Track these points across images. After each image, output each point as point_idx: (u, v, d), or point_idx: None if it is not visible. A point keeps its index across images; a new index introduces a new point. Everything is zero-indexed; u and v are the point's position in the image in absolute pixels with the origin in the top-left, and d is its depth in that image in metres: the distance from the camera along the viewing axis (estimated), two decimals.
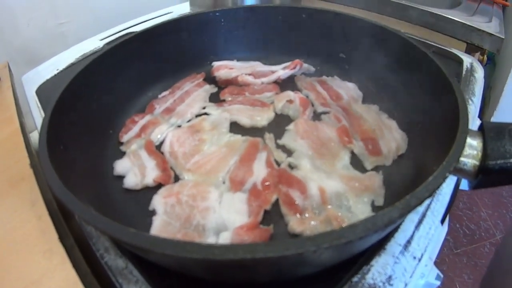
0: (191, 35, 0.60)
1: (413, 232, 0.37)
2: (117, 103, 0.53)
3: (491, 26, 0.69)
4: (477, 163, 0.32)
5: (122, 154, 0.47)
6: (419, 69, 0.46)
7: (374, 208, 0.39)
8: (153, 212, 0.39)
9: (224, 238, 0.35)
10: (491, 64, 1.09)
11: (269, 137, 0.48)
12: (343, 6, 0.82)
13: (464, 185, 0.39)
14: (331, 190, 0.39)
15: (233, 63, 0.62)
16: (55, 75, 0.63)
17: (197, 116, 0.53)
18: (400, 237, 0.36)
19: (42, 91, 0.59)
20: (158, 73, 0.59)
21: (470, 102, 0.54)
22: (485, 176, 0.32)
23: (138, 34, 0.55)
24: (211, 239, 0.35)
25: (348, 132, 0.47)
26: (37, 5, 0.76)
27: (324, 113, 0.52)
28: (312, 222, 0.36)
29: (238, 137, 0.48)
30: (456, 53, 0.64)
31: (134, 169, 0.44)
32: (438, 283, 0.40)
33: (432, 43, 0.66)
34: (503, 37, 0.66)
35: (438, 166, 0.28)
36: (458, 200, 1.28)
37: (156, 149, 0.47)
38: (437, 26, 0.71)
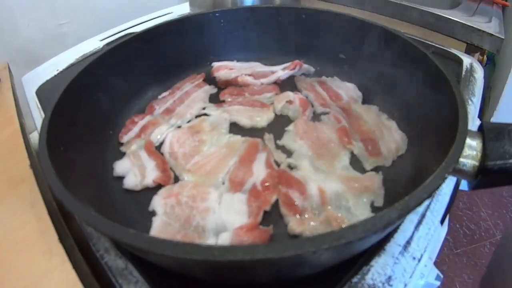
0: (191, 35, 0.60)
1: (413, 233, 0.37)
2: (117, 103, 0.53)
3: (491, 26, 0.69)
4: (477, 163, 0.32)
5: (122, 155, 0.47)
6: (418, 69, 0.46)
7: (374, 208, 0.39)
8: (153, 213, 0.39)
9: (224, 239, 0.35)
10: (491, 64, 1.09)
11: (268, 137, 0.48)
12: (342, 7, 0.82)
13: (464, 185, 0.39)
14: (331, 190, 0.39)
15: (233, 64, 0.62)
16: (55, 75, 0.63)
17: (197, 116, 0.53)
18: (399, 238, 0.36)
19: (42, 92, 0.59)
20: (158, 74, 0.59)
21: (469, 102, 0.54)
22: (485, 176, 0.32)
23: (137, 35, 0.55)
24: (210, 240, 0.36)
25: (347, 133, 0.47)
26: (37, 5, 0.76)
27: (324, 113, 0.52)
28: (312, 223, 0.36)
29: (238, 137, 0.48)
30: (455, 53, 0.64)
31: (134, 169, 0.44)
32: (438, 283, 0.41)
33: (432, 43, 0.66)
34: (503, 37, 0.66)
35: (438, 167, 0.28)
36: (458, 200, 1.28)
37: (156, 150, 0.47)
38: (436, 27, 0.71)
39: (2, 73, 0.59)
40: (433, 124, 0.41)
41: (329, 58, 0.61)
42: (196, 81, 0.60)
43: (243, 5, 0.80)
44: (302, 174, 0.42)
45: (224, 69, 0.60)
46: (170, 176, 0.43)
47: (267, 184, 0.41)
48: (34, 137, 0.50)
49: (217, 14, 0.61)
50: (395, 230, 0.37)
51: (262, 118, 0.51)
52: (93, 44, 0.71)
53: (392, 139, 0.46)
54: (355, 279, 0.33)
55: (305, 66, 0.61)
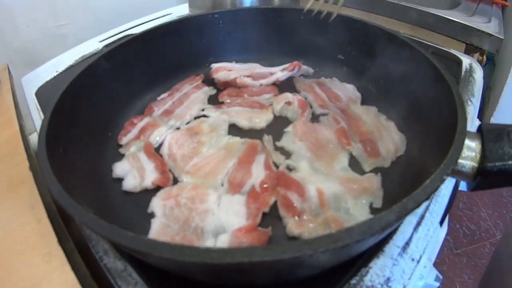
0: (190, 36, 0.60)
1: (412, 234, 0.37)
2: (116, 105, 0.53)
3: (490, 26, 0.69)
4: (476, 165, 0.32)
5: (121, 157, 0.47)
6: (418, 70, 0.46)
7: (373, 210, 0.39)
8: (152, 215, 0.39)
9: (223, 241, 0.35)
10: (490, 64, 1.09)
11: (267, 139, 0.48)
12: (342, 7, 0.82)
13: (464, 186, 0.39)
14: (330, 192, 0.39)
15: (232, 65, 0.62)
16: (54, 77, 0.63)
17: (195, 118, 0.53)
18: (398, 239, 0.36)
19: (41, 93, 0.59)
20: (157, 75, 0.59)
21: (469, 103, 0.54)
22: (484, 178, 0.32)
23: (137, 36, 0.55)
24: (209, 241, 0.36)
25: (346, 134, 0.47)
26: (36, 6, 0.76)
27: (323, 114, 0.52)
28: (310, 225, 0.36)
29: (237, 139, 0.49)
30: (455, 53, 0.64)
31: (133, 171, 0.44)
32: (437, 284, 0.41)
33: (431, 44, 0.66)
34: (502, 38, 0.66)
35: (437, 168, 0.28)
36: (458, 200, 1.28)
37: (155, 152, 0.47)
38: (436, 27, 0.71)
39: (1, 74, 0.59)
40: (432, 125, 0.41)
41: (328, 59, 0.61)
42: (195, 82, 0.60)
43: (242, 6, 0.80)
44: (300, 175, 0.42)
45: (223, 70, 0.60)
46: (169, 178, 0.43)
47: (266, 185, 0.41)
48: (34, 138, 0.50)
49: (216, 15, 0.61)
50: (394, 232, 0.37)
51: (261, 120, 0.51)
52: (93, 45, 0.71)
53: (391, 140, 0.46)
54: (353, 281, 0.33)
55: (304, 67, 0.61)
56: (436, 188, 0.27)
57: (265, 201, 0.39)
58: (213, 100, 0.57)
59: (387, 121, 0.50)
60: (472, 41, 0.68)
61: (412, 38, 0.65)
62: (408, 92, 0.48)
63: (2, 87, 0.57)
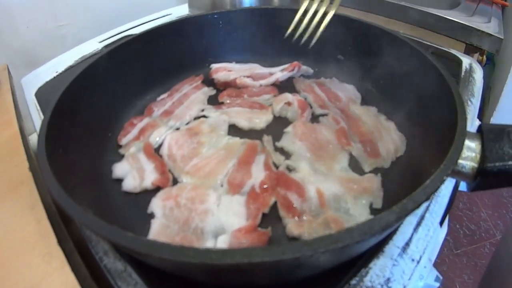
0: (190, 37, 0.60)
1: (412, 235, 0.37)
2: (116, 105, 0.53)
3: (490, 26, 0.69)
4: (476, 165, 0.32)
5: (121, 157, 0.47)
6: (417, 70, 0.46)
7: (372, 210, 0.39)
8: (152, 215, 0.39)
9: (222, 241, 0.35)
10: (490, 64, 1.09)
11: (267, 139, 0.48)
12: (341, 7, 0.82)
13: (464, 186, 0.39)
14: (329, 192, 0.39)
15: (232, 65, 0.62)
16: (54, 77, 0.63)
17: (195, 118, 0.53)
18: (398, 240, 0.36)
19: (41, 94, 0.59)
20: (156, 76, 0.59)
21: (469, 103, 0.54)
22: (484, 178, 0.32)
23: (136, 37, 0.55)
24: (209, 242, 0.36)
25: (346, 134, 0.47)
26: (36, 6, 0.76)
27: (323, 115, 0.52)
28: (311, 225, 0.36)
29: (237, 139, 0.48)
30: (455, 53, 0.64)
31: (132, 172, 0.44)
32: (437, 284, 0.40)
33: (431, 44, 0.66)
34: (502, 38, 0.66)
35: (437, 168, 0.28)
36: (458, 201, 1.28)
37: (155, 152, 0.47)
38: (436, 27, 0.71)
39: (1, 74, 0.59)
40: (432, 125, 0.41)
41: (328, 59, 0.61)
42: (194, 82, 0.60)
43: (241, 6, 0.80)
44: (300, 176, 0.42)
45: (223, 70, 0.60)
46: (168, 178, 0.43)
47: (265, 186, 0.41)
48: (33, 139, 0.50)
49: (215, 16, 0.61)
50: (394, 232, 0.37)
51: (261, 120, 0.51)
52: (92, 46, 0.71)
53: (391, 140, 0.46)
54: (353, 281, 0.33)
55: (304, 67, 0.61)
56: (436, 189, 0.27)
57: (265, 201, 0.39)
58: (213, 101, 0.57)
59: (387, 121, 0.49)
60: (472, 41, 0.68)
61: (412, 38, 0.65)
62: (408, 92, 0.48)
63: (1, 88, 0.57)
